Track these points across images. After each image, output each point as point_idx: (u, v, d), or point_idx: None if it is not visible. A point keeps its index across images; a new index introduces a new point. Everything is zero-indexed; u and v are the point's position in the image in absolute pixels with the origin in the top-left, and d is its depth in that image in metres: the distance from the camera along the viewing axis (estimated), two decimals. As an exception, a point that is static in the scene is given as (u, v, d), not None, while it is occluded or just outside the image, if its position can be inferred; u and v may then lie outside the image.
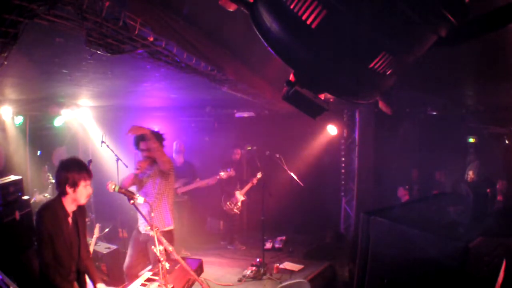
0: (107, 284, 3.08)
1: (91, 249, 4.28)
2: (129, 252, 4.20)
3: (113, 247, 5.32)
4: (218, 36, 2.94)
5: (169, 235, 4.00)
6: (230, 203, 6.88)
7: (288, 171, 6.34)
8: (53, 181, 6.22)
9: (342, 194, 7.73)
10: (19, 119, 6.20)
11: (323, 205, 7.82)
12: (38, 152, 6.98)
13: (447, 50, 1.51)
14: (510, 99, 5.48)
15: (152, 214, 2.96)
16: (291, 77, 1.44)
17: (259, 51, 2.65)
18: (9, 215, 4.34)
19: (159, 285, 2.80)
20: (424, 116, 7.62)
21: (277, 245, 6.96)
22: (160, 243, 2.75)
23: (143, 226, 4.13)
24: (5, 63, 2.22)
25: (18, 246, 4.34)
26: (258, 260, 5.86)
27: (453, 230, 2.32)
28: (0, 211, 4.25)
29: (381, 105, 1.84)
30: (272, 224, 7.09)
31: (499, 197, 5.63)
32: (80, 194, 2.84)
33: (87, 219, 3.25)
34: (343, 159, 7.67)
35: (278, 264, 5.89)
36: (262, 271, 5.62)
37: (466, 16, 1.21)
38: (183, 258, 3.37)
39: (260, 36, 1.32)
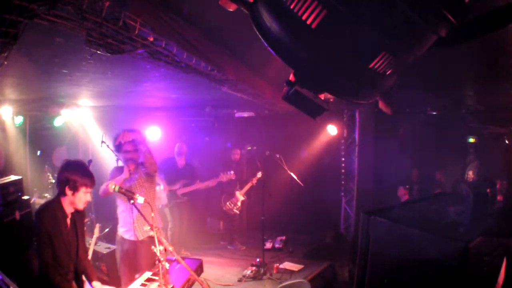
0: (107, 284, 3.08)
1: (91, 249, 4.27)
2: (121, 269, 4.02)
3: (113, 247, 5.30)
4: (218, 36, 2.94)
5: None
6: (230, 203, 6.88)
7: (288, 171, 6.34)
8: (53, 181, 6.22)
9: (342, 194, 7.72)
10: (19, 119, 6.19)
11: (323, 205, 7.81)
12: (38, 152, 6.98)
13: (447, 50, 1.51)
14: (510, 99, 5.48)
15: (152, 214, 2.96)
16: (291, 77, 1.44)
17: (259, 51, 2.65)
18: (9, 215, 4.34)
19: (159, 285, 2.80)
20: (424, 116, 7.61)
21: (277, 245, 6.96)
22: (160, 243, 2.75)
23: (132, 232, 3.93)
24: (5, 63, 2.22)
25: (18, 246, 4.34)
26: (258, 260, 5.86)
27: (453, 230, 2.32)
28: (0, 211, 4.25)
29: (381, 105, 1.84)
30: (272, 224, 7.09)
31: (499, 197, 5.63)
32: (79, 199, 2.82)
33: (87, 219, 3.26)
34: (343, 159, 7.67)
35: (278, 264, 5.89)
36: (262, 271, 5.62)
37: (466, 16, 1.21)
38: (183, 258, 3.37)
39: (260, 36, 1.32)
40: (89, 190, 2.86)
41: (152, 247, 2.70)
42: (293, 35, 1.23)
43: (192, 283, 3.33)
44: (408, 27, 1.18)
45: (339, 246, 6.87)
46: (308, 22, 1.17)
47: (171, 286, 2.82)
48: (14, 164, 6.01)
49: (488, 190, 2.61)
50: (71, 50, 2.81)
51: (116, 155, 4.29)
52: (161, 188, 6.45)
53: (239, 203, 6.89)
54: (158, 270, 2.71)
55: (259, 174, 6.63)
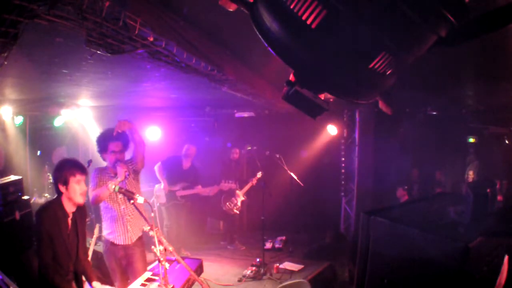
0: (107, 284, 3.08)
1: (91, 249, 4.27)
2: (116, 278, 3.66)
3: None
4: (218, 36, 2.94)
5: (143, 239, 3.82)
6: (229, 203, 6.88)
7: (288, 171, 6.34)
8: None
9: (342, 194, 7.72)
10: (19, 119, 6.20)
11: (323, 205, 7.81)
12: (38, 152, 6.98)
13: (447, 50, 1.51)
14: (510, 99, 5.48)
15: (152, 214, 2.95)
16: (291, 77, 1.44)
17: (259, 51, 2.65)
18: (9, 215, 4.34)
19: (159, 285, 2.80)
20: (424, 116, 7.62)
21: (277, 245, 6.96)
22: (160, 243, 2.75)
23: (126, 235, 3.63)
24: (5, 63, 2.22)
25: (18, 246, 4.34)
26: (258, 260, 5.86)
27: (453, 230, 2.32)
28: (0, 211, 4.25)
29: (381, 105, 1.84)
30: (272, 224, 7.09)
31: (499, 197, 5.63)
32: (73, 192, 2.79)
33: (87, 219, 3.24)
34: (343, 159, 7.67)
35: (278, 264, 5.89)
36: (262, 271, 5.62)
37: (466, 16, 1.21)
38: (183, 258, 3.37)
39: (260, 36, 1.32)
40: (79, 178, 2.81)
41: (152, 247, 2.70)
42: (293, 35, 1.24)
43: (192, 283, 3.33)
44: (408, 27, 1.18)
45: (339, 246, 6.86)
46: (308, 22, 1.17)
47: (171, 286, 2.81)
48: (14, 164, 6.02)
49: (488, 190, 2.61)
50: (71, 50, 2.81)
51: (102, 158, 3.77)
52: (161, 187, 6.46)
53: (239, 203, 6.89)
54: (158, 270, 2.71)
55: (259, 174, 6.63)
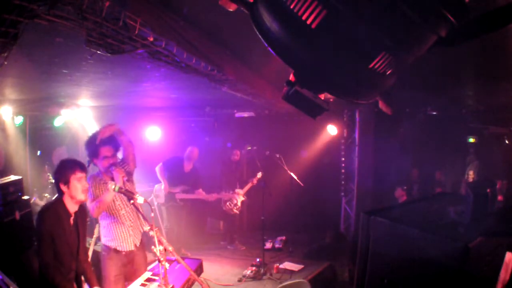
0: None
1: (91, 249, 4.27)
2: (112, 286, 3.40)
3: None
4: (218, 36, 2.94)
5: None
6: (230, 203, 6.88)
7: (288, 171, 6.34)
8: (53, 181, 6.22)
9: (342, 194, 7.72)
10: (19, 119, 6.20)
11: (323, 205, 7.81)
12: (38, 152, 6.98)
13: (447, 50, 1.51)
14: (510, 99, 5.48)
15: (152, 214, 2.95)
16: (291, 77, 1.44)
17: (259, 51, 2.65)
18: (9, 215, 4.34)
19: (159, 285, 2.80)
20: (424, 116, 7.62)
21: (277, 245, 6.96)
22: (160, 243, 2.75)
23: (129, 240, 3.48)
24: (5, 63, 2.22)
25: (18, 246, 4.34)
26: (258, 260, 5.86)
27: (453, 230, 2.32)
28: (0, 211, 4.25)
29: (381, 105, 1.84)
30: (272, 224, 7.09)
31: (499, 197, 5.63)
32: (75, 190, 2.81)
33: (87, 219, 3.24)
34: (343, 159, 7.67)
35: (278, 264, 5.89)
36: (262, 271, 5.62)
37: (466, 16, 1.21)
38: (183, 258, 3.37)
39: (260, 36, 1.32)
40: (79, 176, 2.83)
41: (152, 247, 2.70)
42: (293, 35, 1.23)
43: (192, 283, 3.33)
44: (408, 27, 1.18)
45: (339, 246, 6.86)
46: (308, 22, 1.17)
47: (171, 286, 2.81)
48: (14, 164, 6.02)
49: (488, 190, 2.61)
50: (71, 50, 2.81)
51: (93, 164, 3.54)
52: (161, 187, 6.45)
53: (239, 203, 6.89)
54: (158, 270, 2.71)
55: (260, 174, 6.63)
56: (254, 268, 5.68)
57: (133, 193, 2.93)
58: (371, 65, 1.24)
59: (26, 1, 1.63)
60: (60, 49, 2.83)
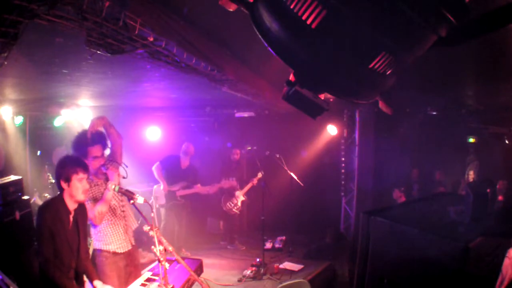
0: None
1: (91, 248, 4.27)
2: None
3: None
4: (218, 36, 2.94)
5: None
6: (230, 203, 6.88)
7: (288, 171, 6.34)
8: (53, 181, 6.22)
9: (342, 194, 7.73)
10: (19, 119, 6.20)
11: (323, 205, 7.81)
12: (38, 152, 6.98)
13: (447, 50, 1.51)
14: (510, 99, 5.48)
15: (152, 214, 2.95)
16: (291, 77, 1.44)
17: (259, 51, 2.65)
18: (9, 215, 4.34)
19: (159, 285, 2.80)
20: (424, 116, 7.62)
21: (277, 245, 6.96)
22: (160, 243, 2.75)
23: (127, 240, 3.45)
24: (5, 63, 2.22)
25: (18, 246, 4.34)
26: (258, 260, 5.86)
27: (453, 230, 2.32)
28: (0, 211, 4.25)
29: (381, 105, 1.84)
30: (272, 224, 7.09)
31: (500, 197, 5.63)
32: (76, 189, 2.81)
33: (87, 219, 3.24)
34: (343, 159, 7.67)
35: (278, 264, 5.89)
36: (262, 271, 5.62)
37: (466, 16, 1.21)
38: (183, 258, 3.37)
39: (260, 36, 1.32)
40: (81, 176, 2.83)
41: (152, 247, 2.70)
42: (293, 35, 1.24)
43: (192, 283, 3.32)
44: (408, 27, 1.18)
45: (339, 246, 6.87)
46: (308, 22, 1.17)
47: (171, 286, 2.81)
48: (14, 164, 6.02)
49: (488, 190, 2.61)
50: (71, 50, 2.81)
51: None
52: (160, 187, 6.43)
53: (239, 203, 6.89)
54: (158, 270, 2.71)
55: (260, 174, 6.62)
56: (254, 268, 5.68)
57: (133, 193, 2.92)
58: (371, 65, 1.24)
59: (26, 1, 1.63)
60: (60, 49, 2.83)
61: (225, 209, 6.91)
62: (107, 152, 3.55)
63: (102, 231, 3.39)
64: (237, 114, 8.20)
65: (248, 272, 5.60)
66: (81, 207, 3.00)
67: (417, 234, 2.26)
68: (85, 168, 2.88)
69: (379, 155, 7.36)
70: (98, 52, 2.35)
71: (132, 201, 2.89)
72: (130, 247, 3.51)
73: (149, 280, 3.15)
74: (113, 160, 3.43)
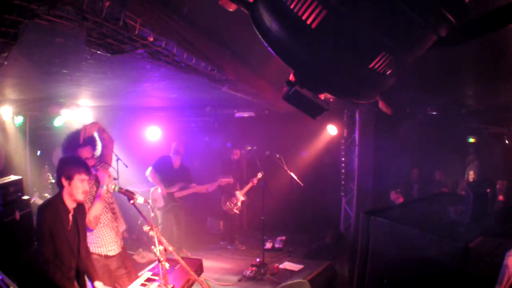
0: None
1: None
2: None
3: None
4: (218, 36, 2.94)
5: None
6: (230, 203, 6.88)
7: (288, 171, 6.34)
8: (53, 181, 6.22)
9: (342, 194, 7.73)
10: (19, 119, 6.20)
11: (323, 205, 7.81)
12: (38, 152, 6.98)
13: (447, 50, 1.51)
14: (510, 99, 5.48)
15: (152, 214, 2.95)
16: (291, 77, 1.44)
17: (259, 51, 2.65)
18: (9, 215, 4.34)
19: (159, 285, 2.80)
20: (424, 116, 7.62)
21: (277, 245, 6.96)
22: (160, 243, 2.75)
23: (117, 242, 3.44)
24: (5, 63, 2.22)
25: (18, 246, 4.34)
26: (258, 260, 5.86)
27: (453, 230, 2.32)
28: (0, 211, 4.25)
29: (381, 105, 1.84)
30: (272, 224, 7.09)
31: (500, 197, 5.63)
32: (76, 188, 2.81)
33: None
34: (343, 159, 7.68)
35: (278, 264, 5.89)
36: (262, 271, 5.62)
37: (466, 16, 1.21)
38: (183, 258, 3.37)
39: (260, 36, 1.32)
40: (83, 177, 2.84)
41: (152, 247, 2.70)
42: (293, 35, 1.24)
43: (192, 283, 3.32)
44: (408, 27, 1.18)
45: (339, 246, 6.86)
46: (308, 22, 1.17)
47: (171, 286, 2.81)
48: (14, 164, 6.02)
49: (488, 190, 2.61)
50: (71, 50, 2.81)
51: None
52: (158, 191, 6.37)
53: (239, 203, 6.89)
54: (158, 270, 2.71)
55: (260, 174, 6.61)
56: (254, 268, 5.68)
57: (133, 193, 2.91)
58: (371, 65, 1.24)
59: (26, 1, 1.63)
60: (60, 49, 2.83)
61: (225, 209, 6.91)
62: (98, 153, 3.57)
63: (93, 234, 3.36)
64: (237, 114, 8.20)
65: (248, 272, 5.60)
66: (80, 206, 3.00)
67: (417, 234, 2.26)
68: (88, 171, 2.90)
69: (379, 155, 7.36)
70: (98, 52, 2.35)
71: (132, 201, 2.89)
72: (120, 250, 3.51)
73: (149, 280, 3.15)
74: (103, 161, 3.43)
